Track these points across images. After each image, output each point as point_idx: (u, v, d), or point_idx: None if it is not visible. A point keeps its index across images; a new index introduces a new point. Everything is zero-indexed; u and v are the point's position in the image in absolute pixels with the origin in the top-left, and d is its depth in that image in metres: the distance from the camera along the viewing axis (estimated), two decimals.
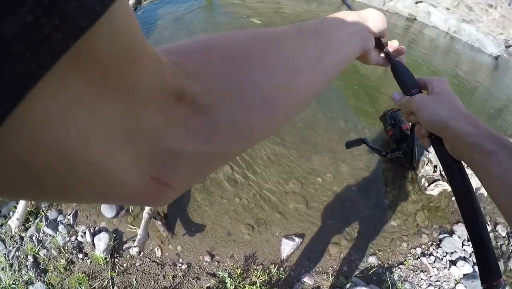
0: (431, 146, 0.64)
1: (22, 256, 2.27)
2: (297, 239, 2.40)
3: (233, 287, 2.11)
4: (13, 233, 2.32)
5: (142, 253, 2.27)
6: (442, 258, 2.43)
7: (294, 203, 2.69)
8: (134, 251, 1.94)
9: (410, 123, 0.76)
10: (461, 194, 0.59)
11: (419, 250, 2.48)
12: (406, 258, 2.41)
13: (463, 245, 2.52)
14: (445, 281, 2.30)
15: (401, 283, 2.25)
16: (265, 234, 2.45)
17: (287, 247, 2.34)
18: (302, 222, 2.56)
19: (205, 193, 2.70)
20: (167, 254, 2.32)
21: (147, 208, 2.24)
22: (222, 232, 2.46)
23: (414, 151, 0.88)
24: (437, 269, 2.36)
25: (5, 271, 2.21)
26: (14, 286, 2.18)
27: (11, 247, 2.29)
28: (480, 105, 5.28)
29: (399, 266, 2.36)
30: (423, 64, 6.19)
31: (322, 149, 3.18)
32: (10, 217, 2.34)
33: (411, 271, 2.34)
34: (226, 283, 2.11)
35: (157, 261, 2.27)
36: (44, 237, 2.33)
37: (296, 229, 2.50)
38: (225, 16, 5.79)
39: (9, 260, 2.25)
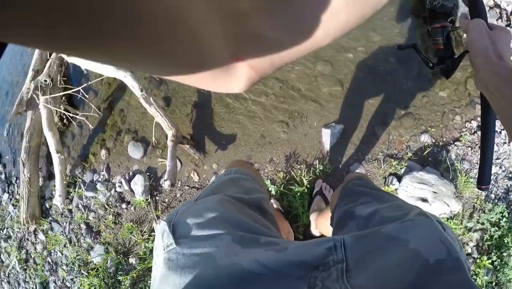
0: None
1: (75, 227, 2.41)
2: (338, 126, 2.12)
3: (279, 193, 1.92)
4: (61, 210, 2.47)
5: (179, 182, 2.23)
6: (500, 132, 2.18)
7: (327, 87, 2.33)
8: (166, 184, 1.83)
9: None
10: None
11: (474, 123, 2.21)
12: (461, 134, 2.17)
13: None
14: (506, 158, 2.10)
15: (459, 162, 2.05)
16: (302, 128, 2.18)
17: (329, 137, 2.08)
18: (340, 106, 2.26)
19: (227, 100, 2.40)
20: (204, 175, 2.21)
21: (169, 135, 2.03)
22: (255, 136, 2.23)
23: (455, 70, 0.97)
24: (497, 145, 2.13)
25: (67, 247, 2.37)
26: (78, 256, 2.33)
27: (64, 223, 2.45)
28: None
29: (455, 143, 2.13)
30: None
31: None
32: (53, 197, 2.44)
33: (469, 148, 2.12)
34: (271, 191, 1.91)
35: (197, 185, 2.17)
36: (88, 201, 2.43)
37: (335, 116, 2.21)
38: None
39: (66, 236, 2.41)
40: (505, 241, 1.89)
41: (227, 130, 2.31)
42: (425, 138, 2.13)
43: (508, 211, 1.96)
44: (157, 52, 0.23)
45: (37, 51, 3.40)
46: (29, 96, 2.62)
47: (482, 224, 1.99)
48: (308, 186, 1.95)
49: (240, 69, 0.31)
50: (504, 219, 1.94)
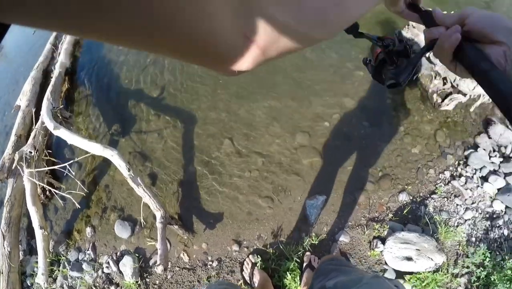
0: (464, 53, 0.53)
1: None
2: (321, 198, 2.32)
3: (270, 270, 2.08)
4: None
5: (170, 263, 2.25)
6: (472, 177, 2.37)
7: (307, 158, 2.57)
8: (159, 269, 1.89)
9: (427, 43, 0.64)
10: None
11: (447, 174, 2.41)
12: (436, 186, 2.36)
13: (490, 157, 2.45)
14: (480, 200, 2.27)
15: (438, 214, 2.21)
16: (287, 202, 2.37)
17: (313, 210, 2.27)
18: (320, 177, 2.46)
19: (212, 178, 2.59)
20: (194, 256, 2.28)
21: (158, 217, 2.13)
22: (242, 213, 2.38)
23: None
24: (470, 190, 2.31)
25: None
26: None
27: None
28: None
29: (432, 196, 2.31)
30: None
31: (320, 90, 2.98)
32: (36, 274, 2.33)
33: (445, 199, 2.29)
34: (262, 266, 2.06)
35: (187, 266, 2.24)
36: (73, 282, 2.37)
37: (317, 187, 2.41)
38: None
39: None
40: (492, 279, 1.98)
41: (214, 209, 2.45)
42: (403, 197, 2.32)
43: (489, 250, 2.09)
44: (172, 21, 0.26)
45: (20, 115, 3.48)
46: (12, 166, 2.65)
47: (467, 267, 2.09)
48: (297, 260, 2.10)
49: (247, 47, 0.34)
50: (488, 259, 2.04)
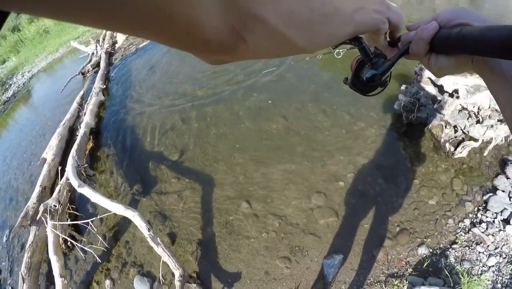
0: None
1: None
2: (338, 257, 2.46)
3: None
4: None
5: None
6: (493, 221, 2.42)
7: (323, 218, 2.75)
8: None
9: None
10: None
11: (467, 221, 2.48)
12: (456, 235, 2.42)
13: (510, 198, 2.51)
14: (504, 244, 2.29)
15: (459, 264, 2.26)
16: (304, 262, 2.50)
17: (331, 269, 2.41)
18: (337, 236, 2.59)
19: (230, 239, 2.78)
20: None
21: (177, 275, 2.34)
22: (259, 273, 2.52)
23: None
24: (492, 235, 2.35)
25: None
26: None
27: None
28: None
29: (452, 247, 2.36)
30: None
31: (333, 149, 3.24)
32: None
33: (466, 248, 2.34)
34: None
35: None
36: None
37: (334, 246, 2.54)
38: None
39: None
40: None
41: (231, 268, 2.60)
42: (423, 250, 2.39)
43: None
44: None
45: (45, 168, 3.90)
46: (37, 217, 2.94)
47: None
48: None
49: (235, 40, 0.37)
50: None
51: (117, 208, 2.67)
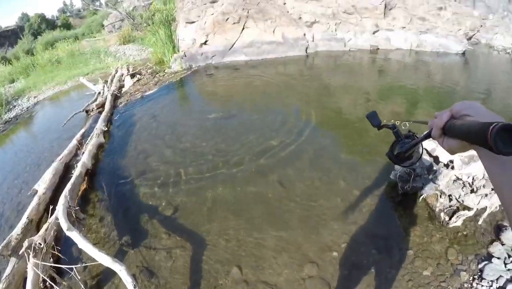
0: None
1: None
2: None
3: None
4: None
5: None
6: None
7: None
8: None
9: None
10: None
11: None
12: None
13: (506, 264, 2.51)
14: None
15: None
16: None
17: None
18: None
19: None
20: None
21: None
22: None
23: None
24: None
25: None
26: None
27: None
28: None
29: None
30: (398, 88, 6.73)
31: (328, 218, 3.31)
32: None
33: None
34: None
35: None
36: None
37: None
38: (204, 108, 6.52)
39: None
40: None
41: None
42: None
43: None
44: None
45: (35, 200, 3.85)
46: (19, 251, 2.87)
47: None
48: None
49: None
50: None
51: (105, 260, 2.67)
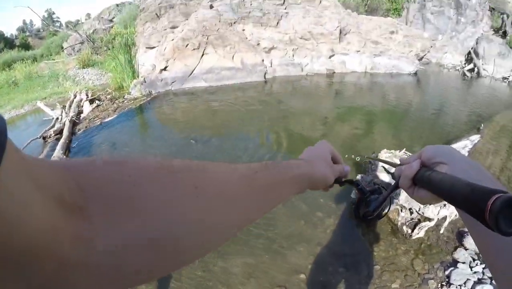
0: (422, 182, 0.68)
1: None
2: None
3: None
4: None
5: None
6: None
7: None
8: None
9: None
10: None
11: None
12: None
13: (471, 268, 2.61)
14: None
15: None
16: None
17: None
18: None
19: None
20: None
21: None
22: None
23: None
24: None
25: None
26: None
27: None
28: (420, 122, 6.10)
29: None
30: (354, 109, 6.99)
31: (293, 241, 3.28)
32: None
33: None
34: None
35: None
36: None
37: None
38: (163, 137, 6.47)
39: None
40: None
41: None
42: None
43: None
44: None
45: None
46: None
47: None
48: None
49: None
50: None
51: None
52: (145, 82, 9.34)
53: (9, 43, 33.28)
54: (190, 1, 11.00)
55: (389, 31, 10.37)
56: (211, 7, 10.51)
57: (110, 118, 7.83)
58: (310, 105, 7.47)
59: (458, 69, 10.16)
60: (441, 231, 3.01)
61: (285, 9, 10.51)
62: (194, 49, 9.40)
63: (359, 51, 9.86)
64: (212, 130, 6.45)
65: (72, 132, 7.20)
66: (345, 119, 6.44)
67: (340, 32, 9.99)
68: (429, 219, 3.07)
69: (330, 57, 9.78)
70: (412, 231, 3.06)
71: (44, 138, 7.03)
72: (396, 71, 9.39)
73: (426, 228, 3.03)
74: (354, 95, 7.95)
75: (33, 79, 15.17)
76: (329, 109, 7.00)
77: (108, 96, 9.68)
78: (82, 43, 18.57)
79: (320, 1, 10.94)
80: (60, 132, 7.12)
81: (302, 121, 6.47)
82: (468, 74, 9.61)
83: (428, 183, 0.64)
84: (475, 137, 4.98)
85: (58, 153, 5.76)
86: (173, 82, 9.32)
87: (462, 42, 11.35)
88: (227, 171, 0.46)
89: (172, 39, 9.88)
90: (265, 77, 9.18)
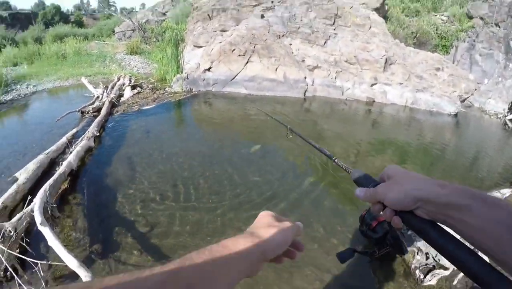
0: (402, 222, 0.70)
1: None
2: None
3: None
4: None
5: None
6: None
7: None
8: None
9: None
10: (447, 247, 0.61)
11: None
12: None
13: None
14: None
15: None
16: None
17: None
18: None
19: None
20: None
21: None
22: None
23: (400, 239, 0.97)
24: None
25: None
26: None
27: None
28: (452, 166, 5.91)
29: None
30: (389, 142, 6.87)
31: (302, 264, 3.29)
32: None
33: None
34: None
35: None
36: None
37: None
38: (197, 135, 6.58)
39: None
40: None
41: None
42: None
43: None
44: None
45: (14, 187, 3.81)
46: None
47: None
48: None
49: None
50: None
51: (71, 262, 2.63)
52: (187, 78, 9.60)
53: (64, 18, 35.05)
54: (243, 8, 11.22)
55: (435, 67, 10.18)
56: (262, 16, 10.70)
57: (148, 106, 8.09)
58: (345, 130, 7.42)
59: (499, 117, 9.81)
60: (454, 283, 2.93)
61: (334, 29, 10.55)
62: (240, 55, 9.59)
63: (402, 83, 9.72)
64: (244, 138, 6.54)
65: (109, 113, 7.47)
66: (379, 150, 6.36)
67: (386, 61, 9.90)
68: (445, 268, 3.00)
69: (372, 85, 9.70)
70: (425, 277, 3.00)
71: (82, 112, 7.35)
72: (437, 109, 9.19)
73: (439, 276, 2.97)
74: (391, 128, 7.84)
75: (81, 56, 15.79)
76: (364, 138, 6.94)
77: (150, 86, 9.99)
78: (133, 30, 19.23)
79: (370, 27, 10.90)
80: (98, 110, 7.41)
81: (334, 145, 6.44)
82: (509, 124, 9.26)
83: (423, 236, 0.65)
84: (507, 191, 4.82)
85: (93, 129, 5.95)
86: (214, 84, 9.51)
87: (508, 90, 10.93)
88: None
89: (220, 42, 10.10)
90: (304, 95, 9.22)
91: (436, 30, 13.91)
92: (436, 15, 15.29)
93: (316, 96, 9.44)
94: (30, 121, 7.73)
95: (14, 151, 5.73)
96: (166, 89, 9.67)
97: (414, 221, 0.67)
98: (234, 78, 9.54)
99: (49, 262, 3.01)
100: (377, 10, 12.62)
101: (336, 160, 1.03)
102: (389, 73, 9.99)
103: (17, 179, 4.21)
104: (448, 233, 0.62)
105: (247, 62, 9.60)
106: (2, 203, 3.59)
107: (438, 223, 0.65)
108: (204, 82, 9.59)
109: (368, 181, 0.83)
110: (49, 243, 2.92)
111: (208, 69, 9.73)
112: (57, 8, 38.78)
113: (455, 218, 0.59)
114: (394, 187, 0.70)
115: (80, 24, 34.20)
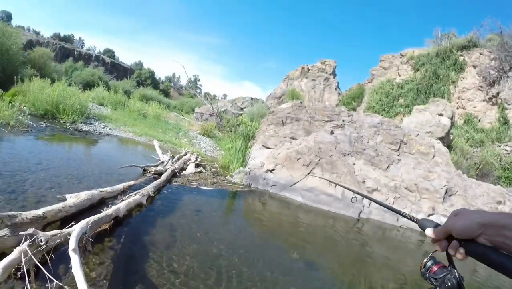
0: (466, 254, 0.82)
1: None
2: None
3: None
4: None
5: None
6: None
7: None
8: None
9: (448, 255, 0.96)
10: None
11: None
12: None
13: None
14: None
15: None
16: None
17: None
18: None
19: None
20: None
21: None
22: None
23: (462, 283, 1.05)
24: None
25: None
26: None
27: None
28: None
29: None
30: None
31: None
32: None
33: None
34: None
35: None
36: None
37: None
38: (243, 229, 6.82)
39: None
40: None
41: None
42: None
43: None
44: None
45: (60, 205, 3.95)
46: (24, 232, 2.93)
47: None
48: None
49: None
50: None
51: None
52: (249, 174, 10.42)
53: (155, 83, 39.57)
54: (315, 122, 12.37)
55: (496, 200, 10.20)
56: (332, 133, 11.69)
57: (206, 187, 8.65)
58: (394, 258, 7.50)
59: None
60: None
61: (399, 155, 11.18)
62: (304, 164, 10.38)
63: None
64: (288, 246, 6.57)
65: (169, 180, 8.09)
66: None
67: (446, 192, 10.16)
68: None
69: (429, 215, 9.94)
70: None
71: (144, 170, 8.07)
72: None
73: None
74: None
75: (160, 121, 17.59)
76: (412, 270, 7.02)
77: (213, 169, 10.87)
78: (211, 115, 21.28)
79: (434, 156, 11.38)
80: (159, 174, 8.05)
81: (379, 272, 6.45)
82: None
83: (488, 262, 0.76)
84: None
85: (150, 188, 6.32)
86: (273, 185, 10.22)
87: None
88: None
89: (288, 148, 11.02)
90: (359, 215, 9.62)
91: (500, 161, 13.96)
92: (500, 146, 15.42)
93: (370, 219, 9.80)
94: (95, 156, 8.49)
95: (71, 174, 6.27)
96: (227, 177, 10.42)
97: (478, 248, 0.77)
98: (293, 184, 10.17)
99: (64, 286, 3.03)
100: (441, 139, 13.17)
101: (403, 213, 1.27)
102: (448, 204, 10.19)
103: (65, 200, 4.44)
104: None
105: (309, 173, 10.33)
106: (44, 212, 3.71)
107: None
108: (264, 182, 10.31)
109: (434, 224, 0.99)
110: (72, 270, 2.87)
111: (271, 170, 10.49)
112: (152, 73, 43.91)
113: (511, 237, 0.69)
114: (461, 218, 0.83)
115: (166, 93, 38.10)
